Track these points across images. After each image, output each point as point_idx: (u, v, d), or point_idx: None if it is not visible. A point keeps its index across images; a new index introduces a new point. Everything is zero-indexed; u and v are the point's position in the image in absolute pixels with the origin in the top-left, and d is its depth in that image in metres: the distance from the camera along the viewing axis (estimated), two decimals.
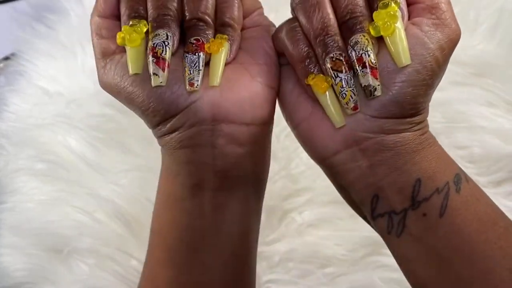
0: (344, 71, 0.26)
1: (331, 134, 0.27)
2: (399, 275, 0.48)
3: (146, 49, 0.28)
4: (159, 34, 0.28)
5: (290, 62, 0.28)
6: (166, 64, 0.28)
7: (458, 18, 0.26)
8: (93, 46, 0.30)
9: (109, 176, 0.56)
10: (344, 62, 0.26)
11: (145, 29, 0.28)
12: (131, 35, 0.28)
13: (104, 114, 0.59)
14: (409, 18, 0.27)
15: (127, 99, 0.29)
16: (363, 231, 0.50)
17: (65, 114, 0.60)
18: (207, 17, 0.28)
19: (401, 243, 0.28)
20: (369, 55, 0.26)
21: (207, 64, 0.29)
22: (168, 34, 0.28)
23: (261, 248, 0.50)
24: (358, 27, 0.26)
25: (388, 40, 0.26)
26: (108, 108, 0.59)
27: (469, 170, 0.52)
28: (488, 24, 0.58)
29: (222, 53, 0.28)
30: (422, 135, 0.27)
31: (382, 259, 0.49)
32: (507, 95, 0.55)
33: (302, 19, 0.27)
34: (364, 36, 0.26)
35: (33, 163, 0.58)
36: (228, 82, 0.29)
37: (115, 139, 0.58)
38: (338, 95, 0.27)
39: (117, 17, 0.30)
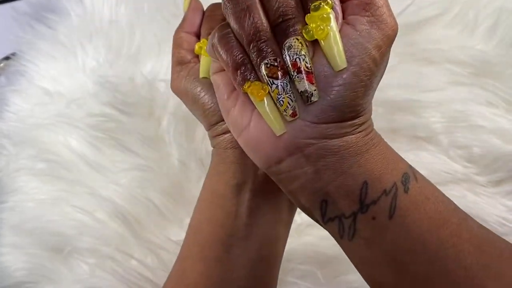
0: (279, 77, 0.25)
1: (273, 141, 0.26)
2: None
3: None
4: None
5: (226, 70, 0.27)
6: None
7: (458, 18, 0.26)
8: (172, 56, 0.35)
9: (109, 176, 0.56)
10: (279, 68, 0.25)
11: None
12: (199, 45, 0.34)
13: (104, 114, 0.59)
14: (344, 16, 0.26)
15: (193, 99, 0.33)
16: None
17: (66, 114, 0.60)
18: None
19: (354, 246, 0.27)
20: (303, 60, 0.25)
21: None
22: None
23: None
24: (291, 30, 0.25)
25: (322, 44, 0.25)
26: (108, 108, 0.59)
27: (469, 170, 0.52)
28: (487, 24, 0.57)
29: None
30: (365, 136, 0.27)
31: None
32: (507, 95, 0.55)
33: (234, 25, 0.26)
34: (297, 39, 0.25)
35: (33, 162, 0.58)
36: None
37: (116, 139, 0.58)
38: (275, 101, 0.26)
39: (198, 36, 0.36)
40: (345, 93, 0.25)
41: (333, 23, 0.24)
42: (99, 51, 0.63)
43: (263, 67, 0.25)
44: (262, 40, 0.25)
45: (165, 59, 0.61)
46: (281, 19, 0.25)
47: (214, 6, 0.36)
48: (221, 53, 0.26)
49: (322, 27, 0.24)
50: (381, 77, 0.27)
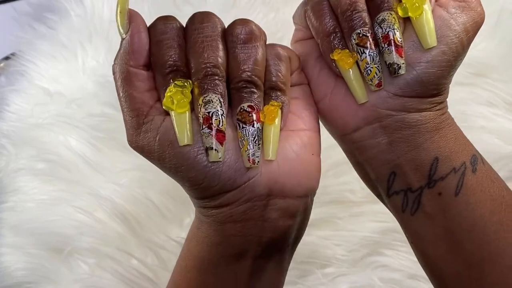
0: (370, 47, 0.26)
1: (353, 110, 0.27)
2: (399, 275, 0.48)
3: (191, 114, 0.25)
4: (212, 101, 0.24)
5: (315, 36, 0.28)
6: (223, 137, 0.25)
7: None
8: (123, 100, 0.26)
9: (109, 176, 0.56)
10: (371, 39, 0.26)
11: (189, 86, 0.25)
12: (180, 100, 0.24)
13: (104, 114, 0.59)
14: (436, 0, 0.27)
15: (172, 169, 0.26)
16: (363, 231, 0.50)
17: (66, 114, 0.60)
18: (259, 80, 0.26)
19: (415, 221, 0.28)
20: (395, 33, 0.25)
21: None
22: (221, 100, 0.25)
23: None
24: (385, 5, 0.26)
25: (415, 21, 0.26)
26: (108, 108, 0.60)
27: None
28: (488, 24, 0.57)
29: (277, 122, 0.26)
30: (442, 115, 0.28)
31: (381, 259, 0.49)
32: (507, 95, 0.55)
33: None
34: (391, 14, 0.26)
35: (34, 162, 0.58)
36: (282, 152, 0.27)
37: (116, 138, 0.58)
38: (363, 71, 0.26)
39: (148, 67, 0.26)
40: (432, 70, 0.26)
41: (427, 2, 0.26)
42: (99, 51, 0.63)
43: (355, 36, 0.26)
44: (357, 11, 0.26)
45: None
46: None
47: (163, 23, 0.26)
48: (312, 19, 0.27)
49: (417, 5, 0.25)
50: (461, 62, 0.28)
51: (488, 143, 0.53)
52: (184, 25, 0.26)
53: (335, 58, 0.27)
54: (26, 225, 0.55)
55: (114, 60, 0.26)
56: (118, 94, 0.26)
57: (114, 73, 0.26)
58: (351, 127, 0.28)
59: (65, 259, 0.52)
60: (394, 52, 0.26)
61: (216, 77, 0.25)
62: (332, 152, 0.51)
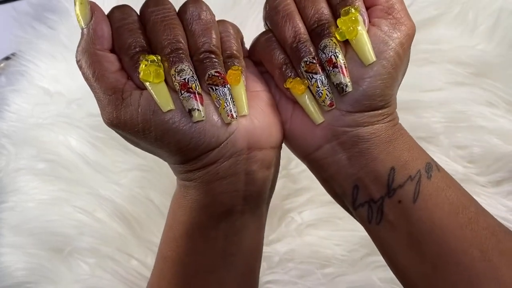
0: (318, 72, 0.28)
1: (312, 131, 0.30)
2: None
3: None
4: (184, 69, 0.27)
5: (269, 70, 0.31)
6: (202, 98, 0.27)
7: (458, 18, 0.27)
8: (96, 82, 0.28)
9: (109, 176, 0.56)
10: (317, 65, 0.28)
11: (159, 60, 0.27)
12: (157, 70, 0.27)
13: None
14: (369, 20, 0.29)
15: (158, 138, 0.27)
16: (363, 231, 0.50)
17: (66, 114, 0.60)
18: (217, 50, 0.29)
19: (381, 230, 0.30)
20: (337, 56, 0.28)
21: None
22: (191, 68, 0.28)
23: None
24: (325, 32, 0.28)
25: (353, 43, 0.28)
26: None
27: (469, 170, 0.53)
28: (487, 24, 0.57)
29: (241, 83, 0.30)
30: (393, 126, 0.30)
31: (381, 259, 0.48)
32: (507, 95, 0.55)
33: (276, 30, 0.30)
34: (331, 39, 0.28)
35: (34, 162, 0.58)
36: (252, 110, 0.30)
37: (116, 138, 0.58)
38: (315, 94, 0.29)
39: (112, 51, 0.28)
40: (376, 83, 0.28)
41: (361, 24, 0.28)
42: None
43: (303, 64, 0.28)
44: (301, 42, 0.28)
45: None
46: (316, 24, 0.29)
47: (121, 11, 0.29)
48: (265, 55, 0.30)
49: (352, 28, 0.28)
50: (404, 72, 0.31)
51: (488, 143, 0.53)
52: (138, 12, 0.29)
53: (289, 86, 0.29)
54: (26, 225, 0.55)
55: (77, 49, 0.28)
56: (88, 78, 0.28)
57: (79, 60, 0.28)
58: (312, 146, 0.30)
59: (65, 259, 0.53)
60: (339, 73, 0.28)
61: (181, 51, 0.28)
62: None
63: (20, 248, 0.54)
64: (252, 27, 0.59)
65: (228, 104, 0.28)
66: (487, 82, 0.55)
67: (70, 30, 0.65)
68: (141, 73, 0.27)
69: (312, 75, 0.28)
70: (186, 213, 0.31)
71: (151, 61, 0.27)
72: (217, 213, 0.30)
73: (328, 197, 0.54)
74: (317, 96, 0.29)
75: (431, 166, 0.30)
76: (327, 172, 0.31)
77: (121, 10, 0.29)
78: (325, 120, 0.30)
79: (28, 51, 0.65)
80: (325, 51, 0.28)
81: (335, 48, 0.28)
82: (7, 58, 0.69)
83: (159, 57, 0.27)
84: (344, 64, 0.28)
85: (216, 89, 0.28)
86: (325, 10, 0.29)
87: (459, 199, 0.29)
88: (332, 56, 0.28)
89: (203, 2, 0.29)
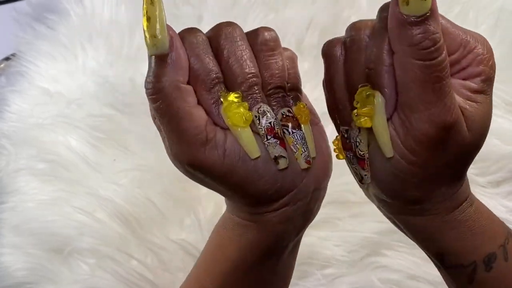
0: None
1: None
2: (398, 276, 0.48)
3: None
4: (266, 112, 0.25)
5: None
6: (284, 144, 0.26)
7: (458, 18, 0.26)
8: (179, 120, 0.24)
9: (109, 176, 0.56)
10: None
11: (239, 98, 0.25)
12: (246, 114, 0.24)
13: (104, 114, 0.59)
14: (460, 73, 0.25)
15: (239, 184, 0.26)
16: (363, 232, 0.50)
17: (66, 114, 0.60)
18: (285, 83, 0.27)
19: None
20: (357, 146, 0.26)
21: None
22: (269, 107, 0.25)
23: None
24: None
25: (372, 131, 0.25)
26: (108, 108, 0.60)
27: (469, 170, 0.52)
28: (488, 24, 0.57)
29: (308, 122, 0.27)
30: (447, 213, 0.27)
31: (381, 260, 0.49)
32: (507, 95, 0.55)
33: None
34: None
35: (34, 163, 0.58)
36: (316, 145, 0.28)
37: (115, 139, 0.58)
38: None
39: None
40: (389, 178, 0.26)
41: (378, 113, 0.24)
42: (99, 51, 0.63)
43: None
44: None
45: None
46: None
47: (194, 37, 0.25)
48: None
49: (366, 118, 0.25)
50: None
51: (488, 143, 0.52)
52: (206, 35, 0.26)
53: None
54: (26, 225, 0.55)
55: (150, 80, 0.24)
56: (166, 114, 0.24)
57: (158, 93, 0.24)
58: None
59: (65, 259, 0.53)
60: (357, 164, 0.26)
61: (257, 87, 0.25)
62: (332, 152, 0.51)
63: (20, 248, 0.54)
64: (252, 27, 0.59)
65: (305, 150, 0.26)
66: None
67: (70, 30, 0.65)
68: (230, 117, 0.24)
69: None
70: (240, 251, 0.29)
71: (236, 101, 0.24)
72: (271, 251, 0.29)
73: (328, 198, 0.54)
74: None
75: (493, 256, 0.27)
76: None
77: (193, 34, 0.25)
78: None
79: (28, 51, 0.65)
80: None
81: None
82: (7, 59, 0.69)
83: (239, 95, 0.25)
84: (364, 156, 0.26)
85: (293, 132, 0.26)
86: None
87: None
88: (352, 145, 0.26)
89: (273, 29, 0.27)
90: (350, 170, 0.27)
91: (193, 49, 0.24)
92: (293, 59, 0.28)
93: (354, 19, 0.27)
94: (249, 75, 0.25)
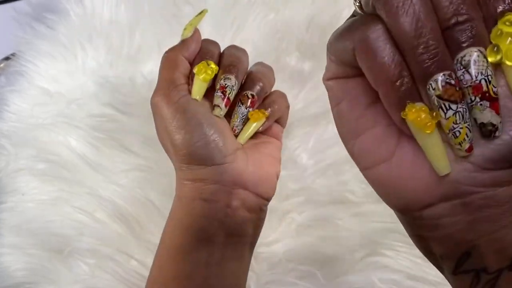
0: (458, 100, 0.19)
1: (427, 183, 0.21)
2: (399, 276, 0.48)
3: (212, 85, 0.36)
4: (230, 78, 0.34)
5: (372, 83, 0.21)
6: (229, 103, 0.35)
7: None
8: (166, 71, 0.36)
9: (109, 176, 0.56)
10: (457, 88, 0.19)
11: (215, 71, 0.35)
12: (207, 70, 0.34)
13: (104, 114, 0.59)
14: None
15: (186, 119, 0.33)
16: (363, 232, 0.50)
17: (66, 114, 0.60)
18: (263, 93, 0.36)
19: None
20: (490, 81, 0.19)
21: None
22: (236, 82, 0.35)
23: (261, 249, 0.50)
24: (471, 39, 0.18)
25: (510, 72, 0.19)
26: (108, 108, 0.59)
27: None
28: None
29: (257, 123, 0.36)
30: None
31: (381, 260, 0.49)
32: None
33: (390, 21, 0.19)
34: (481, 53, 0.18)
35: (33, 163, 0.58)
36: (257, 157, 0.35)
37: (116, 139, 0.58)
38: (448, 132, 0.20)
39: (191, 63, 0.37)
40: None
41: None
42: (99, 51, 0.63)
43: (434, 84, 0.19)
44: (433, 47, 0.18)
45: None
46: (454, 20, 0.18)
47: (208, 42, 0.38)
48: (367, 58, 0.20)
49: None
50: None
51: None
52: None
53: (410, 118, 0.19)
54: (26, 225, 0.55)
55: (172, 47, 0.37)
56: (161, 70, 0.36)
57: (168, 52, 0.37)
58: (422, 203, 0.22)
59: (65, 259, 0.52)
60: (488, 109, 0.19)
61: (237, 69, 0.36)
62: (332, 152, 0.51)
63: (20, 249, 0.54)
64: (252, 27, 0.59)
65: (238, 122, 0.36)
66: None
67: (70, 30, 0.65)
68: (196, 68, 0.36)
69: (449, 105, 0.19)
70: (169, 233, 0.34)
71: (207, 62, 0.37)
72: (197, 238, 0.32)
73: (328, 197, 0.54)
74: (451, 135, 0.20)
75: None
76: (432, 232, 0.23)
77: (209, 41, 0.38)
78: (451, 173, 0.21)
79: (27, 51, 0.65)
80: (469, 70, 0.18)
81: (487, 67, 0.18)
82: (6, 58, 0.69)
83: (214, 65, 0.37)
84: (497, 95, 0.19)
85: (239, 106, 0.37)
86: (469, 2, 0.18)
87: None
88: (483, 81, 0.18)
89: None
90: (455, 133, 0.20)
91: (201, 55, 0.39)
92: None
93: None
94: (232, 57, 0.37)
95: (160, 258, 0.34)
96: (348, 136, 0.23)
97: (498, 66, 0.19)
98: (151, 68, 0.61)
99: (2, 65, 0.69)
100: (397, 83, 0.19)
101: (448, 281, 0.25)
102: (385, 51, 0.19)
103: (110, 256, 0.52)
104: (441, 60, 0.18)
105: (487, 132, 0.19)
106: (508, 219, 0.21)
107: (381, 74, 0.20)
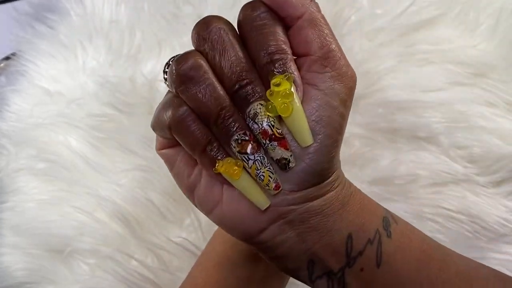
0: (254, 151, 0.23)
1: (252, 214, 0.25)
2: None
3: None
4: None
5: (190, 152, 0.25)
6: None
7: (458, 18, 0.25)
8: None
9: (109, 176, 0.56)
10: (252, 142, 0.23)
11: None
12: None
13: (104, 114, 0.59)
14: (300, 70, 0.24)
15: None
16: None
17: (66, 114, 0.60)
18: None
19: None
20: (273, 126, 0.23)
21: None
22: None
23: None
24: (251, 95, 0.23)
25: (288, 121, 0.23)
26: (108, 108, 0.59)
27: (469, 170, 0.52)
28: (488, 24, 0.57)
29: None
30: (343, 188, 0.26)
31: None
32: (507, 95, 0.55)
33: (193, 104, 0.24)
34: (261, 105, 0.23)
35: (34, 162, 0.58)
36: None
37: (116, 139, 0.58)
38: (255, 178, 0.24)
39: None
40: (321, 157, 0.24)
41: (296, 98, 0.23)
42: (99, 51, 0.63)
43: (234, 143, 0.23)
44: (228, 116, 0.23)
45: (165, 59, 0.61)
46: (237, 85, 0.23)
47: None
48: (180, 134, 0.24)
49: (286, 104, 0.23)
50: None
51: (488, 143, 0.53)
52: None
53: (220, 171, 0.24)
54: (26, 225, 0.55)
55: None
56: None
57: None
58: (255, 231, 0.26)
59: (65, 259, 0.52)
60: (277, 147, 0.23)
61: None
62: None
63: (20, 249, 0.54)
64: None
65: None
66: (487, 82, 0.55)
67: (70, 30, 0.65)
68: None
69: (248, 156, 0.23)
70: (219, 243, 0.34)
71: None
72: (246, 253, 0.32)
73: None
74: (258, 179, 0.24)
75: (388, 221, 0.27)
76: (276, 252, 0.26)
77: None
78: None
79: (28, 51, 0.65)
80: (256, 120, 0.23)
81: (268, 115, 0.23)
82: (7, 58, 0.69)
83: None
84: (283, 134, 0.23)
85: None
86: (244, 64, 0.23)
87: (423, 251, 0.26)
88: (267, 126, 0.23)
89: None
90: (260, 178, 0.24)
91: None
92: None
93: (354, 18, 0.27)
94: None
95: (205, 262, 0.34)
96: (187, 191, 0.27)
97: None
98: (151, 67, 0.61)
99: (2, 64, 0.69)
100: (208, 149, 0.24)
101: None
102: (193, 127, 0.24)
103: (110, 256, 0.52)
104: (236, 124, 0.23)
105: (283, 165, 0.24)
106: (328, 225, 0.25)
107: (193, 145, 0.24)
